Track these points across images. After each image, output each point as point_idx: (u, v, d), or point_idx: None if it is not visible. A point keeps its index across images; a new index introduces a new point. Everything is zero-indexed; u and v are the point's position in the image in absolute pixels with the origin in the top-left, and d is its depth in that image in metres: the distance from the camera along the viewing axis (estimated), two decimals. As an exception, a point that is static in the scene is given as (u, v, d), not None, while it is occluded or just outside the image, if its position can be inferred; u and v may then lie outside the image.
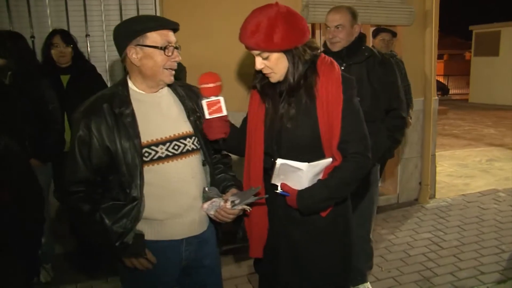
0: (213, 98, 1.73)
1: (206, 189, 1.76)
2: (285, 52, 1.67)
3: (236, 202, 1.65)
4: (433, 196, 5.12)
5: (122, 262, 1.69)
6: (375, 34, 4.37)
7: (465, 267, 3.41)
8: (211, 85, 1.73)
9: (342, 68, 2.71)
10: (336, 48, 2.76)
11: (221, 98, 1.75)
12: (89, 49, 3.67)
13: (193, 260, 1.79)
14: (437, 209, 4.73)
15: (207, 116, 1.74)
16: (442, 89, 19.45)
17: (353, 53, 2.76)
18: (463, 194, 5.21)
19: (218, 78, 1.75)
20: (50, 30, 3.40)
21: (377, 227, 4.14)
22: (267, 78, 1.76)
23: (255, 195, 1.66)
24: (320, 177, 1.77)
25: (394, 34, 4.33)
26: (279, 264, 1.89)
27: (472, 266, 3.42)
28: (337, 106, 1.71)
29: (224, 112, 1.75)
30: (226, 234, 1.95)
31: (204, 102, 1.73)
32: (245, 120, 1.94)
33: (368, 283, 3.11)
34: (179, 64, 2.34)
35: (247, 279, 3.31)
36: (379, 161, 2.94)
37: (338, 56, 2.73)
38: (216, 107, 1.73)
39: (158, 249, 1.69)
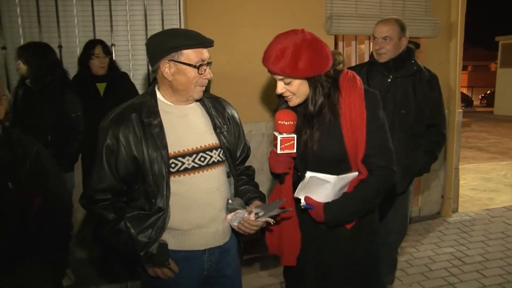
0: (287, 135, 1.75)
1: (230, 200, 1.76)
2: (308, 79, 1.68)
3: (260, 214, 1.65)
4: (456, 210, 5.02)
5: (145, 270, 1.71)
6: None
7: (489, 284, 3.32)
8: (289, 123, 1.74)
9: (389, 80, 2.73)
10: (382, 59, 2.77)
11: (295, 136, 1.76)
12: (114, 58, 3.74)
13: (215, 270, 1.80)
14: (460, 223, 4.63)
15: (278, 151, 1.75)
16: (466, 101, 19.17)
17: (400, 65, 2.76)
18: (487, 209, 5.10)
19: (295, 117, 1.77)
20: (77, 39, 3.49)
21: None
22: None
23: (279, 208, 1.66)
24: (346, 190, 1.78)
25: (417, 46, 4.28)
26: (305, 273, 1.90)
27: (497, 283, 3.33)
28: (361, 122, 1.72)
29: (295, 150, 1.77)
30: (247, 244, 1.96)
31: (279, 138, 1.74)
32: None
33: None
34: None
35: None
36: (415, 176, 2.92)
37: (385, 67, 2.76)
38: (289, 144, 1.75)
39: (181, 259, 1.70)
